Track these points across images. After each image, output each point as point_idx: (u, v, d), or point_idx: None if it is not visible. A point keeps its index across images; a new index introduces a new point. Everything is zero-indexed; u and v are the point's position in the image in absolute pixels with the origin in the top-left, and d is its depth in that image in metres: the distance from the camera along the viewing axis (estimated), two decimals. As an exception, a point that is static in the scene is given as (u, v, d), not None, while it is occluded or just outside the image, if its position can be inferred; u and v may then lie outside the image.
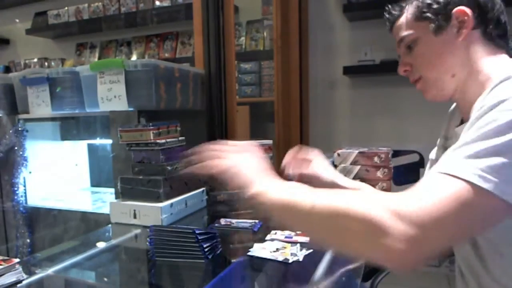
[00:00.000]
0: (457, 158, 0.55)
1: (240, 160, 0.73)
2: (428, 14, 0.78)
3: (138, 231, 1.15)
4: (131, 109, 1.35)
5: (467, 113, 0.73)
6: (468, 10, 0.74)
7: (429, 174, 0.57)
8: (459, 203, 0.51)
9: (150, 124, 1.20)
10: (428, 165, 1.03)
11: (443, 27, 0.77)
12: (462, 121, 0.84)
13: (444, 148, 0.91)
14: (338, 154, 1.31)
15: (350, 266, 0.89)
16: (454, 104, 0.92)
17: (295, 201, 0.61)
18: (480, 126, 0.57)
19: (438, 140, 0.97)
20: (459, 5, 0.75)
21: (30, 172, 1.59)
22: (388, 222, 0.51)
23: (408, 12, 0.82)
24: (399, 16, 0.84)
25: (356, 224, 0.54)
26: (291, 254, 0.89)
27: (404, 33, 0.82)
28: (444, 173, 0.54)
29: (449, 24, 0.76)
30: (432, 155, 1.00)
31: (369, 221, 0.52)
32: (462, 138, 0.58)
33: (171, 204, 1.19)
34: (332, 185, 0.93)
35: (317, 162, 0.96)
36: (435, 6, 0.77)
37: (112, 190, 1.40)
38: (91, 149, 1.82)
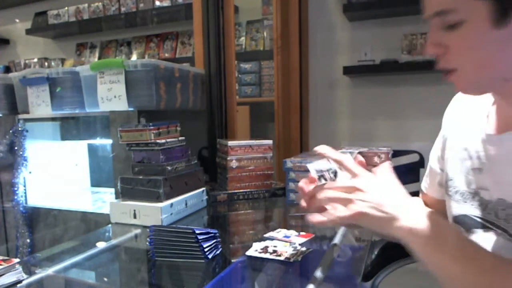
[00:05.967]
0: None
1: (376, 199, 0.65)
2: None
3: (138, 231, 1.15)
4: (131, 109, 1.35)
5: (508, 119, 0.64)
6: None
7: None
8: None
9: (150, 124, 1.20)
10: (428, 173, 0.88)
11: (507, 16, 0.54)
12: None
13: (479, 169, 0.68)
14: (338, 154, 1.31)
15: (351, 266, 0.89)
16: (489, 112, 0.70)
17: (471, 258, 0.56)
18: None
19: (449, 150, 0.78)
20: None
21: (30, 172, 1.59)
22: None
23: None
24: None
25: None
26: (291, 254, 0.89)
27: (446, 6, 0.57)
28: None
29: None
30: (434, 165, 0.85)
31: None
32: None
33: (171, 204, 1.19)
34: None
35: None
36: None
37: (112, 190, 1.40)
38: (91, 149, 1.82)
